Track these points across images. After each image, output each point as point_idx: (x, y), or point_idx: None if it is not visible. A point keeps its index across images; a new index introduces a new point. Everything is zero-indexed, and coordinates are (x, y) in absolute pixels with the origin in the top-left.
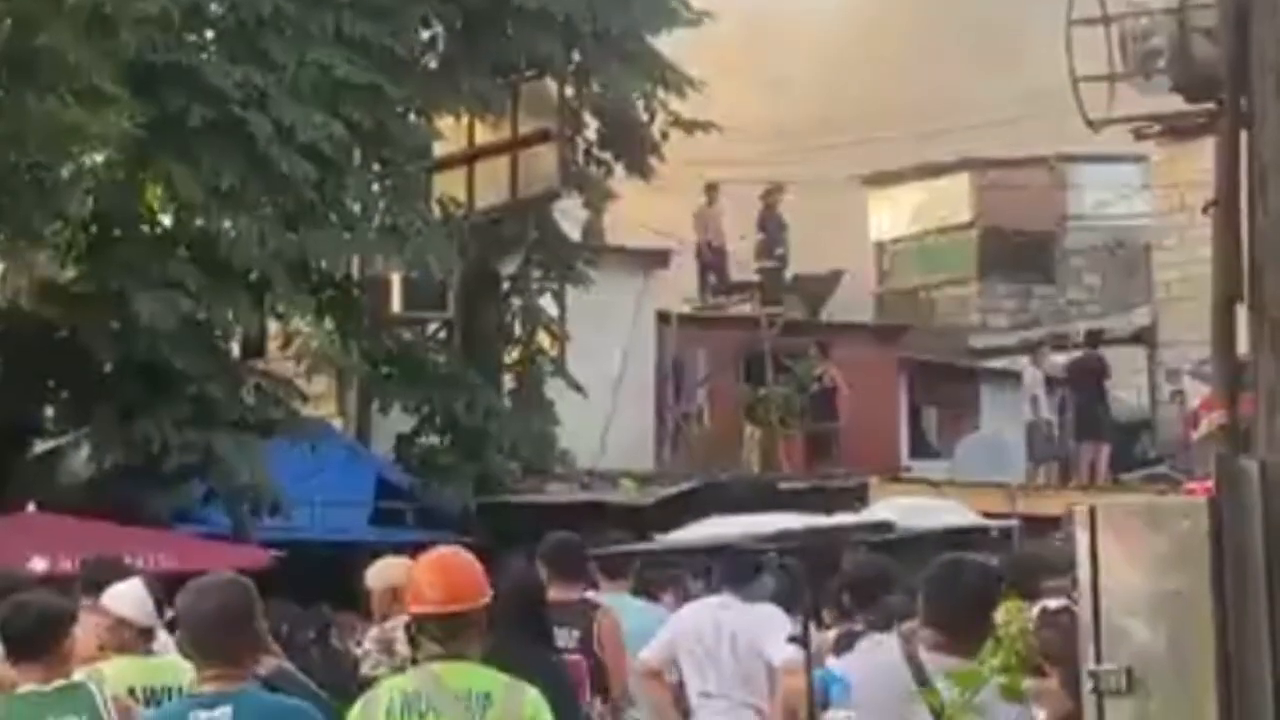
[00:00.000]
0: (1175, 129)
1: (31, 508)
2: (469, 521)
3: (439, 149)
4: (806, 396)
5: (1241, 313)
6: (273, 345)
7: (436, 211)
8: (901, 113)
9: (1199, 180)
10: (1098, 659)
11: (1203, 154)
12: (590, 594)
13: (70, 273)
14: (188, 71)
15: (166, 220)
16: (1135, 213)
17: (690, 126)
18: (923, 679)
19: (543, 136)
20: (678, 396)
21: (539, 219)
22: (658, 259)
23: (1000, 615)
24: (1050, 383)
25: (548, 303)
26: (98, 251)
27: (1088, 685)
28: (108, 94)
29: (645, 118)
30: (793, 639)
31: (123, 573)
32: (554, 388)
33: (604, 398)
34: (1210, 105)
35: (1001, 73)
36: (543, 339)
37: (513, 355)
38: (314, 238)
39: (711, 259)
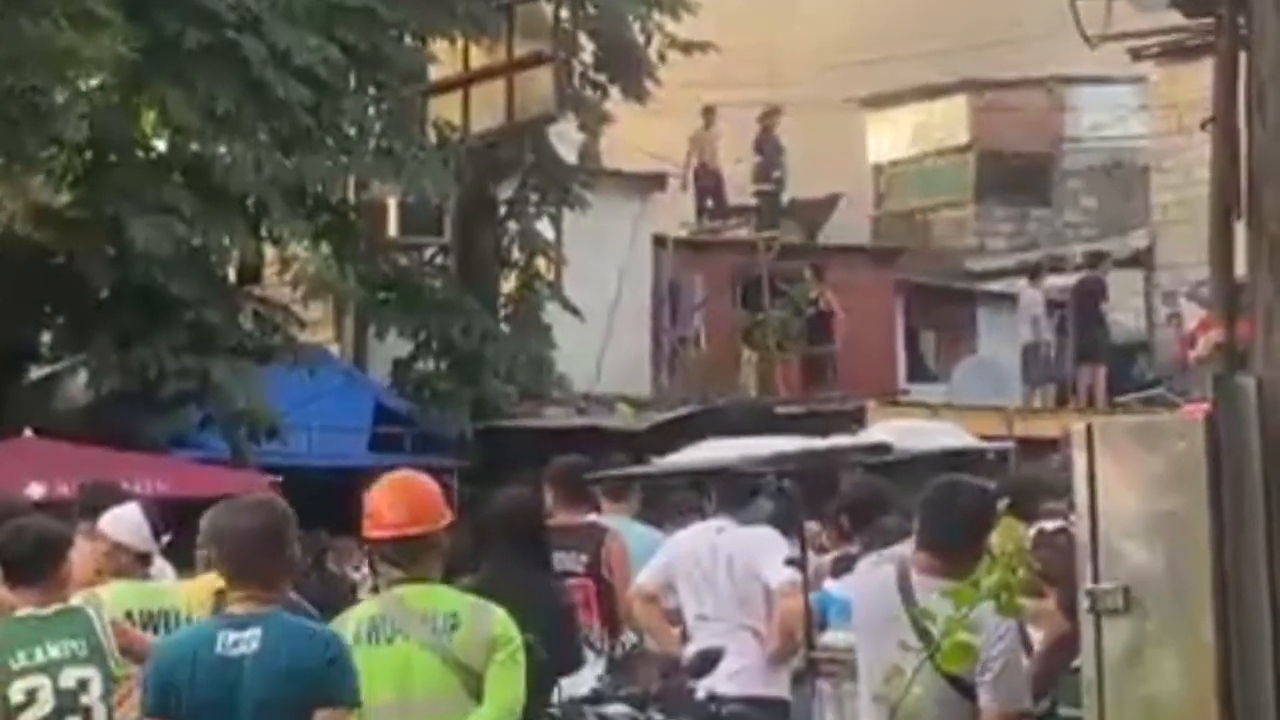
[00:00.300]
0: (1172, 49)
1: (28, 433)
2: (466, 446)
3: (434, 72)
4: (803, 320)
5: (1239, 230)
6: (269, 271)
7: (432, 136)
8: (898, 34)
9: (1196, 102)
10: (1095, 578)
11: (1200, 75)
12: (595, 517)
13: (65, 198)
14: None
15: (161, 145)
16: (1133, 134)
17: (687, 48)
18: (911, 601)
19: (538, 60)
20: (674, 321)
21: (535, 143)
22: (654, 183)
23: (996, 535)
24: (1049, 305)
25: (544, 227)
26: (93, 176)
27: (1085, 605)
28: (102, 18)
29: (641, 40)
30: (790, 562)
31: (119, 498)
32: (550, 312)
33: (600, 322)
34: (1209, 21)
35: None
36: (539, 263)
37: (509, 280)
38: (310, 162)
39: (708, 183)
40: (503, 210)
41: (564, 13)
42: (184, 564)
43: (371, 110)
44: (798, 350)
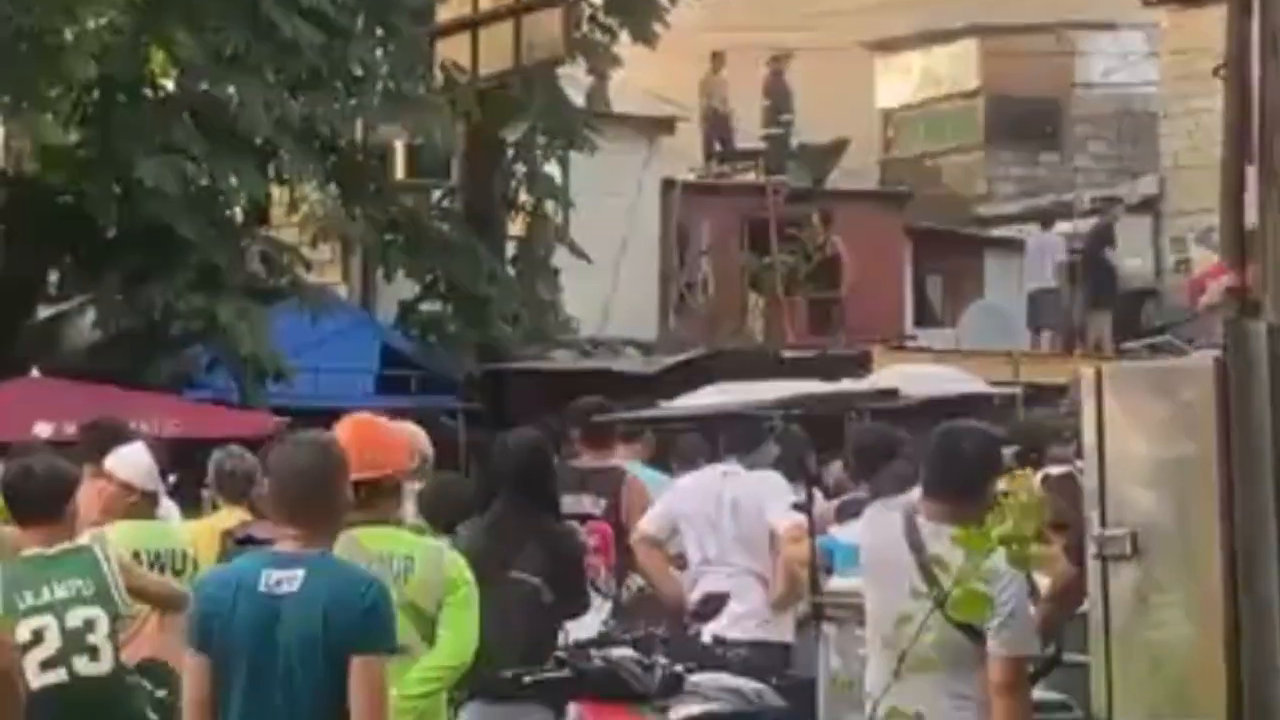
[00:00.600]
0: None
1: (35, 373)
2: (472, 388)
3: (442, 14)
4: (811, 265)
5: (1251, 175)
6: (277, 212)
7: (440, 78)
8: None
9: (1206, 48)
10: (1103, 524)
11: (1209, 22)
12: (617, 461)
13: (74, 137)
14: None
15: (170, 85)
16: (1143, 80)
17: None
18: (918, 546)
19: (547, 2)
20: (682, 264)
21: (543, 86)
22: (663, 126)
23: (1006, 484)
24: (1058, 250)
25: (552, 170)
26: (101, 116)
27: (1092, 550)
28: None
29: None
30: (796, 506)
31: (125, 437)
32: (558, 255)
33: (607, 266)
34: None
35: None
36: (547, 206)
37: (516, 223)
38: (318, 103)
39: (717, 126)
40: (510, 153)
41: None
42: (189, 503)
43: (379, 52)
44: (805, 295)
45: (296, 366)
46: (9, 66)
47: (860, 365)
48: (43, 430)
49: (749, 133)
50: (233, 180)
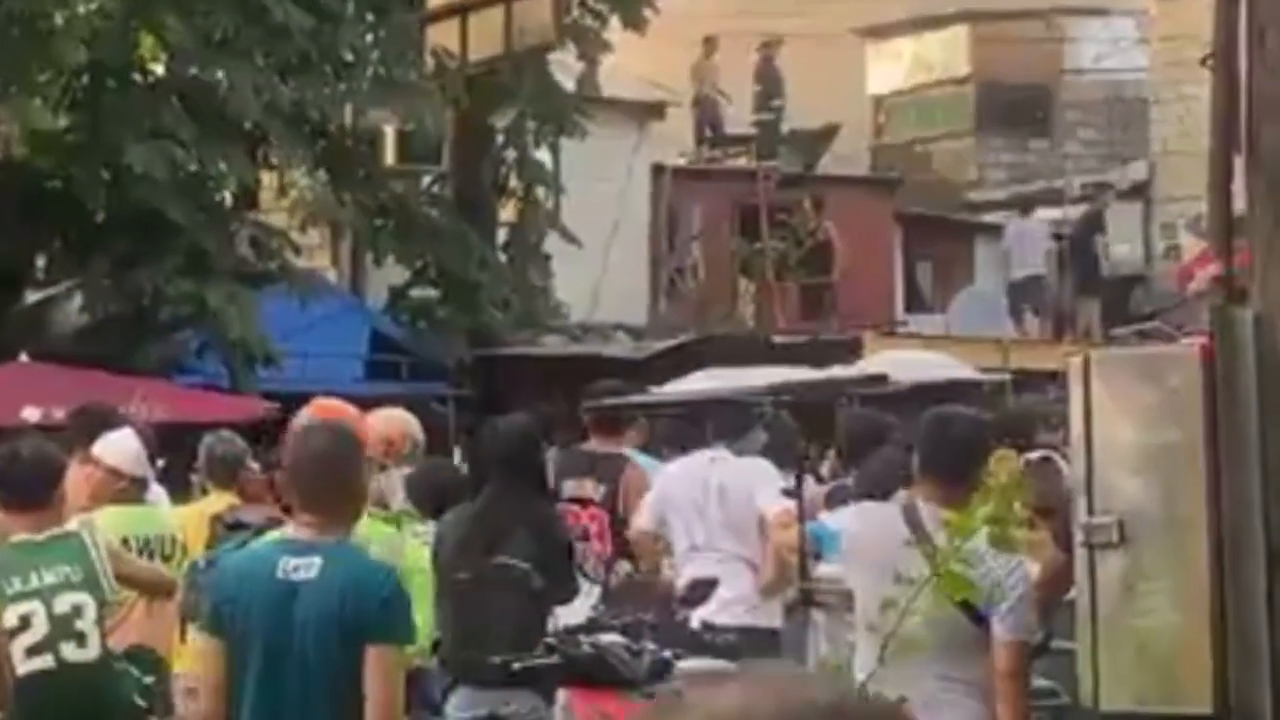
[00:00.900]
0: None
1: (24, 357)
2: (463, 374)
3: None
4: (802, 250)
5: (1238, 165)
6: (266, 197)
7: (430, 63)
8: None
9: (1195, 35)
10: (1090, 512)
11: (1198, 9)
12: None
13: (63, 121)
14: None
15: (160, 70)
16: (1133, 67)
17: None
18: (919, 529)
19: None
20: (672, 250)
21: (534, 71)
22: (653, 111)
23: (991, 466)
24: (1044, 237)
25: (542, 156)
26: (91, 100)
27: (1080, 538)
28: None
29: None
30: (786, 492)
31: (114, 423)
32: (548, 241)
33: (598, 251)
34: None
35: None
36: (537, 192)
37: (507, 208)
38: (308, 88)
39: (708, 111)
40: (500, 139)
41: None
42: (178, 489)
43: (369, 37)
44: (796, 280)
45: (285, 351)
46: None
47: (851, 351)
48: (31, 415)
49: (740, 118)
50: (222, 165)
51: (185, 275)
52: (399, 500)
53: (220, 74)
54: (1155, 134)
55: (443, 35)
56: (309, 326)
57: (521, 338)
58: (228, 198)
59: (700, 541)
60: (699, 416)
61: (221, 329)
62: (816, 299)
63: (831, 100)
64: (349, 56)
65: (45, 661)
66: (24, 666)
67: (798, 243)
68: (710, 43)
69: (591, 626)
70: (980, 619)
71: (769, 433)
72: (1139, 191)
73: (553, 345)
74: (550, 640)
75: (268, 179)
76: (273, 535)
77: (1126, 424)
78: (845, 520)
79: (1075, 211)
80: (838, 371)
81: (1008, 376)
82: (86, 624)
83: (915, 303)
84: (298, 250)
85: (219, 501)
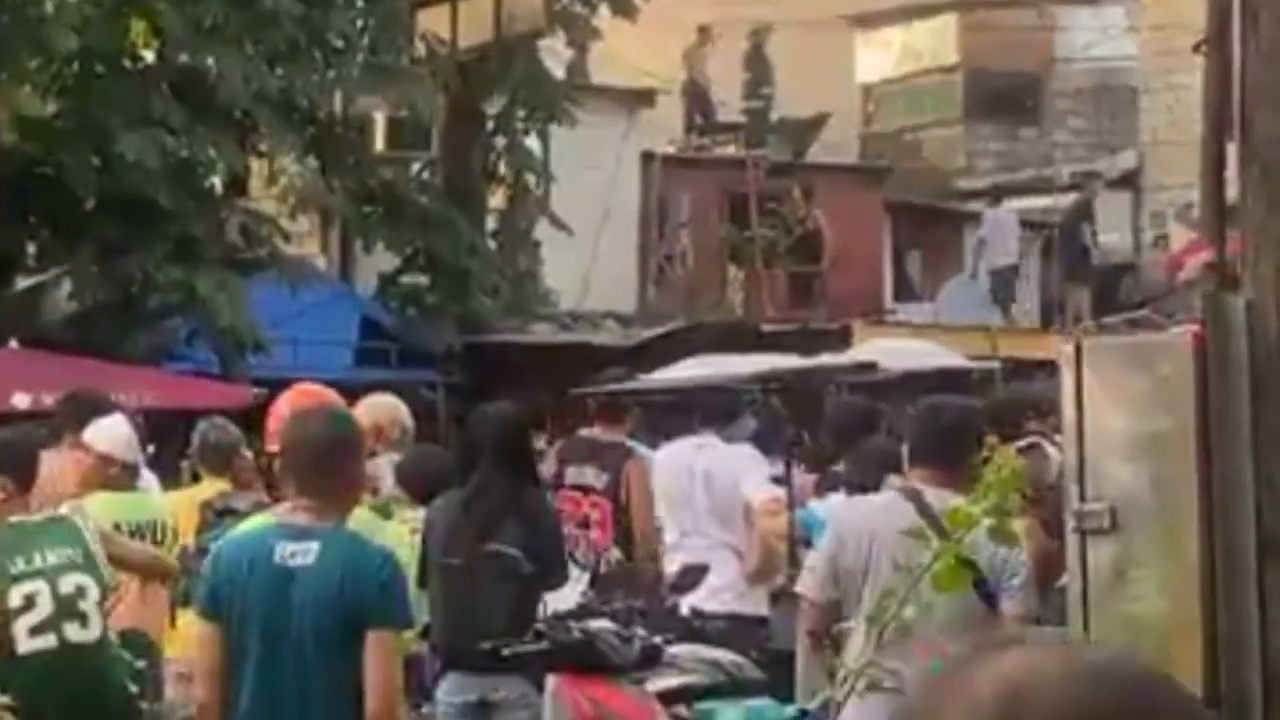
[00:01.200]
0: None
1: (13, 344)
2: (452, 361)
3: None
4: (791, 238)
5: (1231, 152)
6: (256, 184)
7: (420, 49)
8: None
9: (1186, 23)
10: (1082, 498)
11: None
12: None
13: (52, 108)
14: None
15: (150, 56)
16: (1123, 55)
17: None
18: (927, 513)
19: None
20: (661, 237)
21: (523, 58)
22: (643, 99)
23: (985, 458)
24: (1035, 226)
25: (532, 143)
26: (81, 87)
27: (1071, 524)
28: None
29: None
30: (775, 479)
31: (104, 409)
32: (537, 228)
33: (587, 239)
34: None
35: None
36: (527, 179)
37: (497, 195)
38: (298, 75)
39: (697, 99)
40: (490, 126)
41: None
42: (169, 475)
43: (360, 23)
44: (785, 268)
45: (275, 338)
46: None
47: (840, 339)
48: (21, 401)
49: (729, 106)
50: (211, 152)
51: (175, 262)
52: (388, 486)
53: (210, 61)
54: (1145, 123)
55: (433, 21)
56: (299, 313)
57: (511, 325)
58: (217, 184)
59: (688, 528)
60: (689, 404)
61: (211, 316)
62: (805, 287)
63: (821, 88)
64: (339, 42)
65: (48, 641)
66: (26, 645)
67: (787, 231)
68: (705, 30)
69: (581, 613)
70: (989, 596)
71: (758, 420)
72: (1128, 180)
73: (542, 333)
74: (540, 626)
75: (257, 166)
76: (268, 519)
77: (1118, 411)
78: (836, 510)
79: (1065, 200)
80: (827, 359)
81: (997, 365)
82: (89, 605)
83: (904, 291)
84: (287, 237)
85: (210, 488)
